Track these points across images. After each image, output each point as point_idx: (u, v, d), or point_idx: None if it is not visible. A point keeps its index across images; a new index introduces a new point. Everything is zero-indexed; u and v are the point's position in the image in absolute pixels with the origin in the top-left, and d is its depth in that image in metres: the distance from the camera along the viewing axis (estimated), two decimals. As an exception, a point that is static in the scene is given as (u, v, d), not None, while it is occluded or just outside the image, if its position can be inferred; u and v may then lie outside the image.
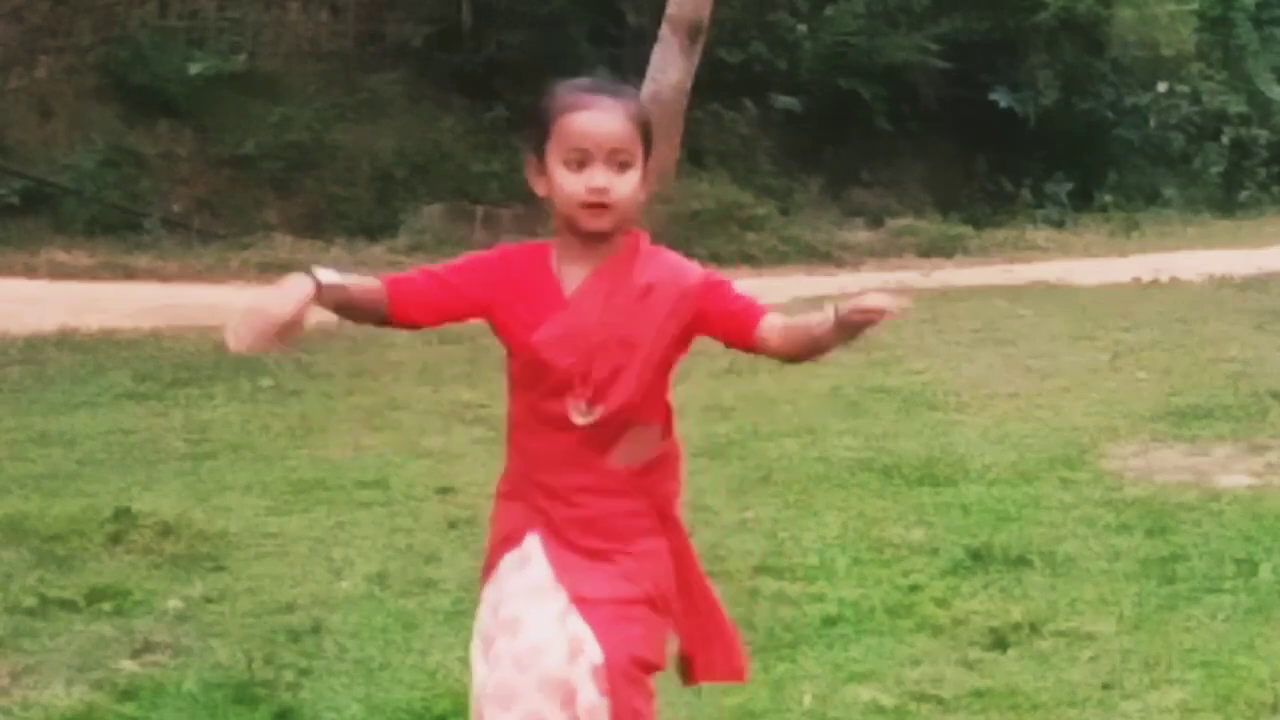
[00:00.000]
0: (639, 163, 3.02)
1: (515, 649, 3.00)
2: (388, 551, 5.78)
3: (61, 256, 13.50)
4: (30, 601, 5.07)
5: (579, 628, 2.99)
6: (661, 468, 3.12)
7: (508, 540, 3.13)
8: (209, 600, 5.20)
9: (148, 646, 4.75)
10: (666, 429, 3.14)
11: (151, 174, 16.28)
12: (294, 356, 9.72)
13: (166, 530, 5.79)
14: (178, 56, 16.82)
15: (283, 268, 13.78)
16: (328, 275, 3.03)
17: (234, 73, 17.02)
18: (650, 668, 3.05)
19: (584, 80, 3.15)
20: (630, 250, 3.07)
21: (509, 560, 3.11)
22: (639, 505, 3.09)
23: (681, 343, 3.10)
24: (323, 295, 3.00)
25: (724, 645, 3.20)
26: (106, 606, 5.06)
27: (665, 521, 3.12)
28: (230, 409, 8.32)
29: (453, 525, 6.10)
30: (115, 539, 5.70)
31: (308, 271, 3.02)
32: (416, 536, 5.98)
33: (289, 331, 2.94)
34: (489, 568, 3.16)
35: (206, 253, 14.57)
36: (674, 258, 3.12)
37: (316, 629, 4.92)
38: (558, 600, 3.02)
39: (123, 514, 5.88)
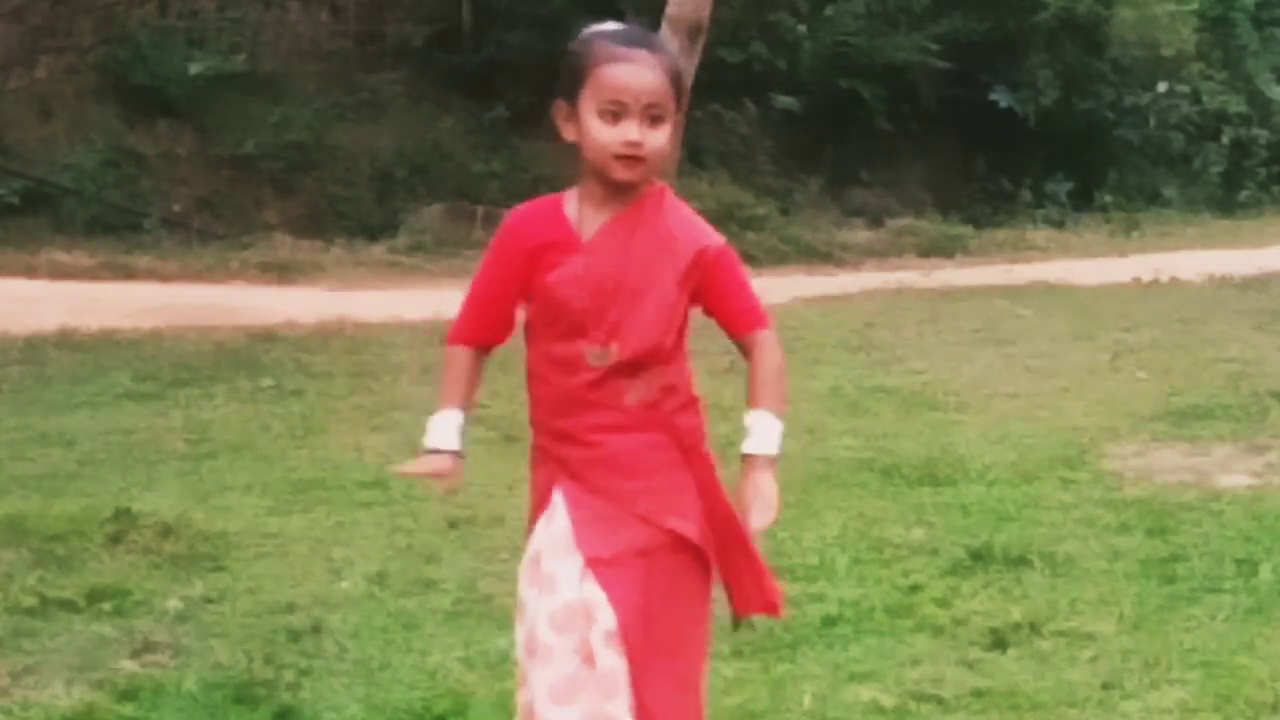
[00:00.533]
0: (671, 116, 3.06)
1: (552, 607, 3.02)
2: (388, 551, 5.78)
3: (61, 256, 13.50)
4: (30, 601, 5.07)
5: (592, 592, 3.00)
6: (674, 399, 3.10)
7: (539, 505, 3.15)
8: (209, 600, 5.20)
9: (148, 646, 4.75)
10: (680, 369, 3.13)
11: (151, 174, 16.27)
12: (294, 356, 9.73)
13: (166, 530, 5.79)
14: (178, 56, 16.82)
15: (283, 268, 13.88)
16: (448, 436, 3.24)
17: (234, 73, 17.02)
18: (674, 617, 3.05)
19: (620, 29, 3.17)
20: (655, 200, 3.10)
21: (541, 520, 3.13)
22: (657, 438, 3.09)
23: (695, 294, 3.11)
24: (459, 455, 3.21)
25: (755, 578, 3.18)
26: (106, 606, 5.06)
27: (689, 454, 3.11)
28: (230, 409, 8.32)
29: (453, 525, 6.10)
30: (115, 539, 5.70)
31: (435, 449, 3.26)
32: (416, 536, 5.98)
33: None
34: (528, 532, 3.17)
35: (206, 253, 14.57)
36: (696, 217, 3.15)
37: (316, 629, 4.92)
38: (576, 559, 3.03)
39: (123, 514, 5.88)
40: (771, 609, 3.24)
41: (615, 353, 3.05)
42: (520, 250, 3.11)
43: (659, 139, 3.04)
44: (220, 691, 4.39)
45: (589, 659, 3.00)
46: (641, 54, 3.05)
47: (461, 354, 3.20)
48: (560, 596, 3.02)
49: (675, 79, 3.07)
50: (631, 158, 3.02)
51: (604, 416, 3.07)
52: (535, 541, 3.11)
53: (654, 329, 3.06)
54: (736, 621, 3.26)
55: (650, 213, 3.09)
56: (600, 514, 3.05)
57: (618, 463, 3.07)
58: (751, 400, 3.16)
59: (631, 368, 3.06)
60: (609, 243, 3.06)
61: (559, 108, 3.10)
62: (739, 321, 3.13)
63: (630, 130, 3.01)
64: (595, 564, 3.02)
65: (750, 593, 3.19)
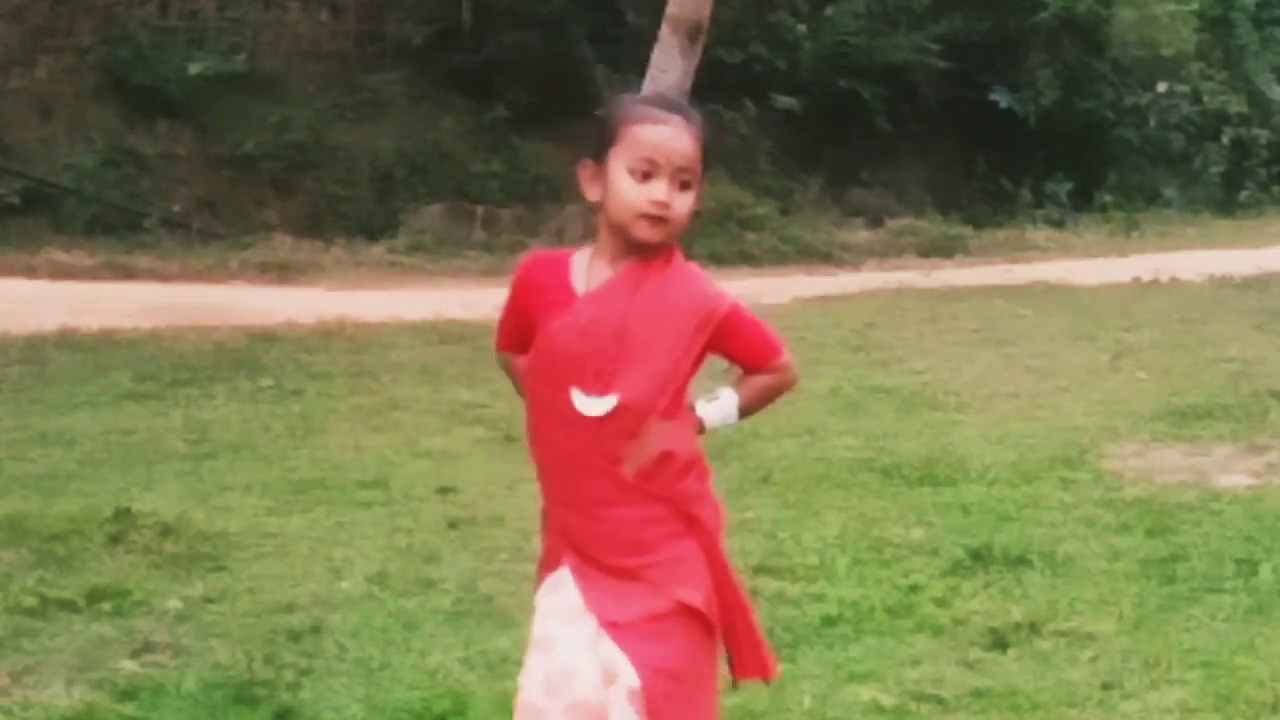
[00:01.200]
0: (697, 185, 3.08)
1: (547, 669, 3.03)
2: (388, 551, 5.78)
3: (61, 256, 13.49)
4: (30, 601, 5.07)
5: (611, 653, 3.01)
6: (672, 466, 3.09)
7: (545, 565, 3.16)
8: (209, 600, 5.20)
9: (148, 646, 4.76)
10: (679, 434, 3.12)
11: (151, 174, 16.27)
12: (294, 356, 9.73)
13: (166, 530, 5.79)
14: (178, 56, 16.81)
15: (283, 267, 13.88)
16: None
17: (234, 73, 17.01)
18: (691, 678, 3.06)
19: (657, 95, 3.28)
20: (663, 260, 3.10)
21: (546, 584, 3.14)
22: (657, 511, 3.08)
23: (700, 358, 3.13)
24: None
25: (751, 643, 3.21)
26: (106, 606, 5.07)
27: (691, 523, 3.11)
28: (230, 409, 8.32)
29: (453, 525, 6.10)
30: (115, 539, 5.70)
31: None
32: (416, 536, 5.98)
33: None
34: (536, 585, 3.19)
35: (206, 253, 14.57)
36: (704, 277, 3.16)
37: (316, 629, 4.92)
38: (588, 625, 3.03)
39: (123, 514, 5.88)
40: (765, 675, 3.26)
41: (614, 400, 3.04)
42: (521, 291, 3.17)
43: (685, 204, 3.05)
44: (220, 691, 4.39)
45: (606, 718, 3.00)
46: (677, 119, 3.07)
47: (510, 357, 3.27)
48: (558, 659, 3.03)
49: (704, 149, 3.09)
50: (657, 218, 3.03)
51: (602, 488, 3.07)
52: (541, 612, 3.12)
53: (651, 385, 3.05)
54: (735, 683, 3.27)
55: (658, 270, 3.09)
56: (608, 585, 3.07)
57: (619, 539, 3.07)
58: (734, 384, 3.22)
59: (627, 423, 3.04)
60: (613, 294, 3.06)
61: (585, 166, 3.11)
62: (758, 361, 3.20)
63: (659, 190, 3.02)
64: (611, 627, 3.03)
65: (747, 659, 3.21)
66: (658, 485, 3.08)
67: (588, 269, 3.11)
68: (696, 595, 3.07)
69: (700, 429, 3.18)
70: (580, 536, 3.10)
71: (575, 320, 3.06)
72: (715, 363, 3.18)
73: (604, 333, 3.04)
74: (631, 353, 3.04)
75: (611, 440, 3.05)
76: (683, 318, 3.08)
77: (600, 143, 3.08)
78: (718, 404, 3.20)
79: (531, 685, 3.04)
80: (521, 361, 3.22)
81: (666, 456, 3.08)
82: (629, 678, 3.00)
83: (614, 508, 3.07)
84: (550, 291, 3.11)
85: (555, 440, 3.11)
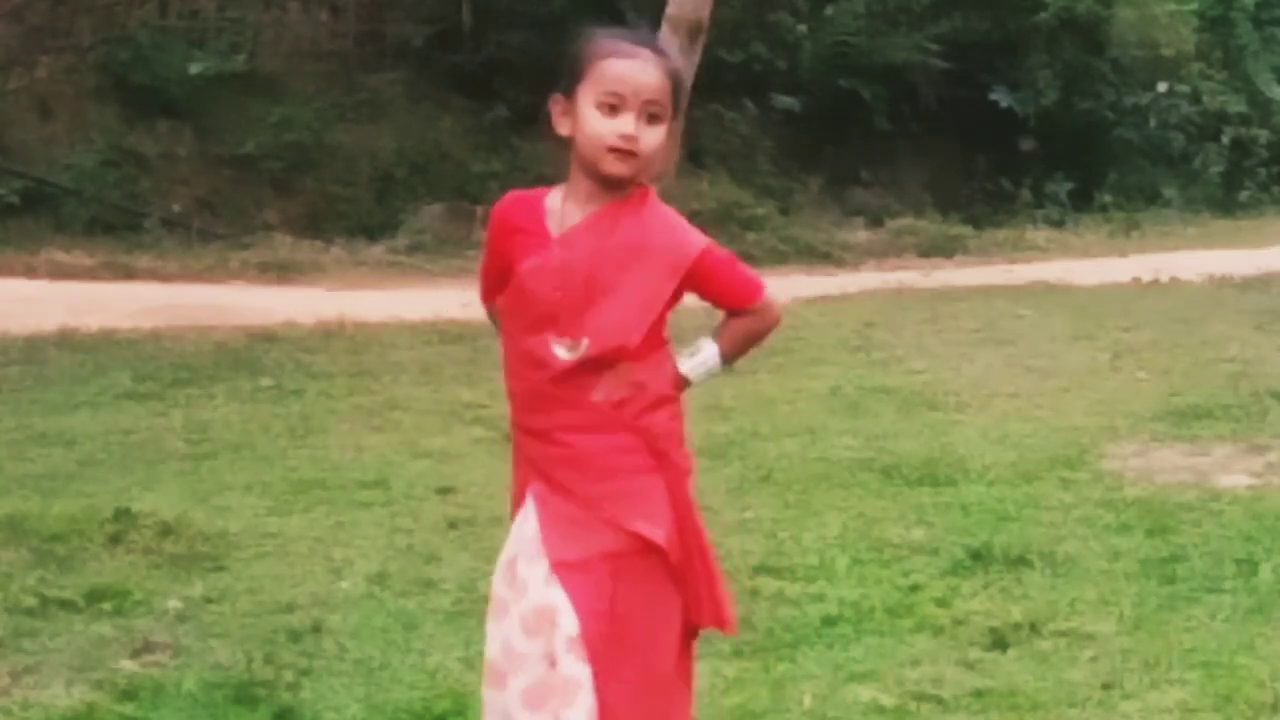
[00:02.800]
0: (668, 118, 3.07)
1: (523, 611, 3.04)
2: (388, 551, 5.78)
3: (61, 256, 13.49)
4: (30, 601, 5.07)
5: (557, 596, 3.00)
6: (644, 399, 3.08)
7: (515, 504, 3.17)
8: (209, 600, 5.20)
9: (148, 646, 4.75)
10: (653, 367, 3.11)
11: (151, 174, 16.26)
12: (294, 356, 9.73)
13: (166, 530, 5.79)
14: (178, 56, 16.80)
15: (282, 268, 13.88)
16: None
17: (234, 73, 17.01)
18: (640, 619, 3.04)
19: (625, 30, 3.24)
20: (636, 201, 3.09)
21: (516, 521, 3.14)
22: (627, 441, 3.07)
23: (674, 299, 3.12)
24: None
25: (710, 591, 3.16)
26: (106, 606, 5.06)
27: (661, 458, 3.09)
28: (230, 409, 8.32)
29: (453, 525, 6.10)
30: (115, 539, 5.70)
31: None
32: (416, 536, 5.98)
33: None
34: (510, 519, 3.20)
35: (206, 253, 14.56)
36: (678, 220, 3.14)
37: (316, 629, 4.92)
38: (542, 565, 3.04)
39: (123, 514, 5.88)
40: (721, 624, 3.21)
41: (585, 347, 3.04)
42: (498, 234, 3.16)
43: (654, 137, 3.04)
44: (220, 691, 4.39)
45: (552, 663, 3.00)
46: (645, 52, 3.07)
47: (489, 308, 3.29)
48: (529, 601, 3.04)
49: (675, 83, 3.09)
50: (625, 151, 3.02)
51: (572, 415, 3.07)
52: (510, 544, 3.13)
53: (623, 326, 3.05)
54: (693, 629, 3.21)
55: (631, 212, 3.08)
56: (568, 516, 3.06)
57: (585, 464, 3.07)
58: (714, 334, 3.21)
59: (599, 364, 3.05)
60: (585, 237, 3.06)
61: (555, 101, 3.11)
62: (738, 302, 3.19)
63: (627, 123, 3.01)
64: (560, 568, 3.02)
65: (704, 605, 3.16)
66: (628, 414, 3.07)
67: (561, 210, 3.10)
68: (657, 531, 3.05)
69: (684, 384, 3.16)
70: (547, 463, 3.09)
71: (547, 264, 3.05)
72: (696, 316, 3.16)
73: (575, 278, 3.04)
74: (602, 298, 3.04)
75: (583, 375, 3.06)
76: (654, 262, 3.07)
77: (570, 77, 3.08)
78: (699, 356, 3.18)
79: (512, 629, 3.05)
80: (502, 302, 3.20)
81: (638, 386, 3.08)
82: (567, 624, 2.99)
83: (583, 434, 3.07)
84: (526, 232, 3.11)
85: (526, 374, 3.11)
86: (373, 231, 16.00)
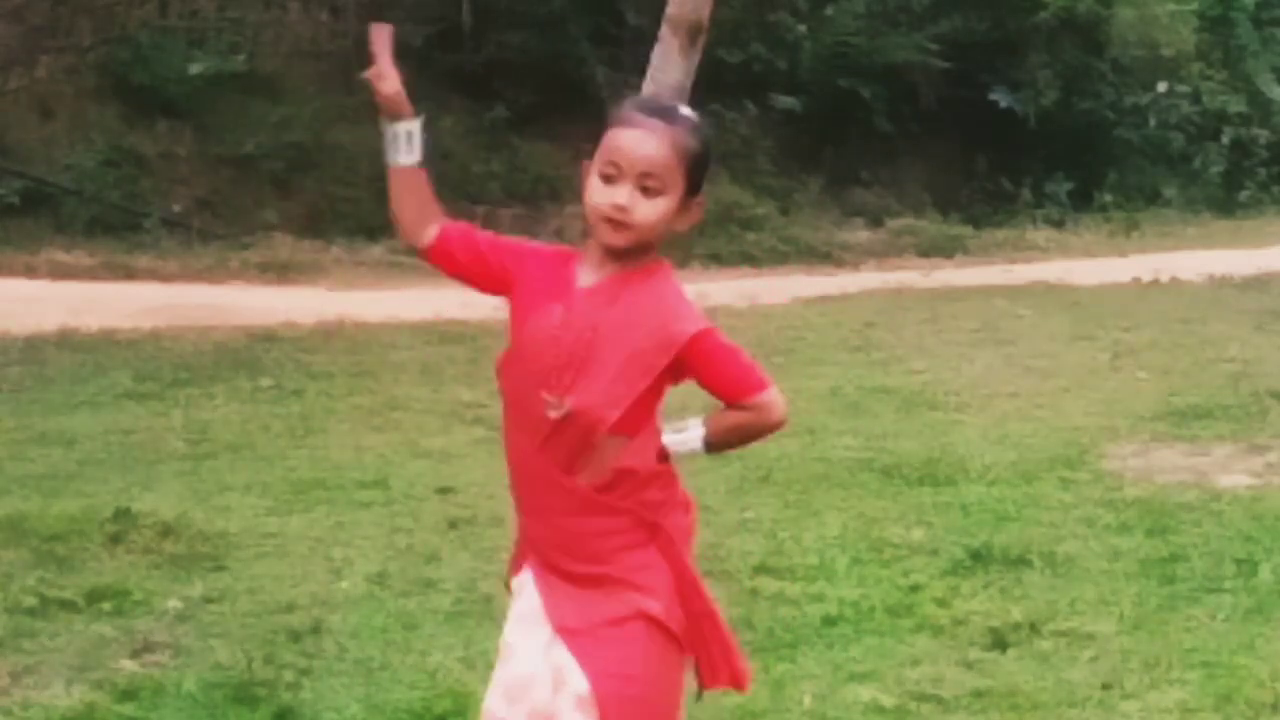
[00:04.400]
0: (671, 192, 2.99)
1: (505, 678, 3.03)
2: (388, 551, 5.78)
3: (61, 256, 13.48)
4: (30, 601, 5.07)
5: (562, 658, 2.99)
6: (631, 482, 3.04)
7: (514, 566, 3.16)
8: (209, 600, 5.20)
9: (148, 646, 4.76)
10: (639, 451, 3.05)
11: (151, 174, 16.25)
12: (294, 356, 9.73)
13: (166, 530, 5.79)
14: (178, 56, 16.80)
15: (283, 268, 13.88)
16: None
17: (234, 73, 17.00)
18: (648, 683, 3.02)
19: (649, 99, 3.21)
20: (644, 273, 3.03)
21: (514, 585, 3.14)
22: (615, 523, 3.04)
23: (670, 379, 3.04)
24: (409, 139, 3.18)
25: (722, 650, 3.14)
26: (106, 606, 5.06)
27: (653, 531, 3.06)
28: (230, 409, 8.32)
29: (453, 525, 6.10)
30: (115, 539, 5.70)
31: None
32: (416, 536, 5.98)
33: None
34: (507, 589, 3.21)
35: (206, 253, 14.56)
36: (681, 300, 3.06)
37: (316, 629, 4.92)
38: (544, 631, 3.02)
39: (123, 514, 5.88)
40: (738, 685, 3.19)
41: (569, 405, 2.99)
42: (526, 266, 3.10)
43: (649, 210, 2.97)
44: (220, 691, 4.39)
45: None
46: (654, 123, 2.99)
47: (435, 211, 3.16)
48: (514, 668, 3.02)
49: (684, 156, 2.99)
50: (618, 223, 2.97)
51: (558, 500, 3.04)
52: (509, 613, 3.12)
53: (606, 397, 2.99)
54: (700, 693, 3.20)
55: (636, 284, 3.02)
56: (567, 592, 3.05)
57: (576, 548, 3.05)
58: (706, 418, 3.11)
59: (578, 431, 3.00)
60: (588, 303, 3.02)
61: (584, 167, 3.07)
62: (733, 395, 3.07)
63: (620, 194, 2.96)
64: (564, 633, 3.01)
65: (718, 667, 3.14)
66: (615, 498, 3.04)
67: (578, 273, 3.08)
68: (655, 604, 3.03)
69: (665, 455, 3.10)
70: (541, 542, 3.08)
71: (549, 321, 3.03)
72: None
73: (573, 340, 3.01)
74: (594, 363, 3.00)
75: (564, 449, 3.01)
76: (645, 337, 3.00)
77: (598, 143, 3.05)
78: (682, 435, 3.10)
79: (494, 693, 3.05)
80: (431, 232, 3.12)
81: (625, 473, 3.03)
82: (576, 683, 2.97)
83: (570, 518, 3.04)
84: (553, 280, 3.06)
85: (518, 445, 3.09)
86: (373, 231, 15.96)
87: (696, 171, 3.01)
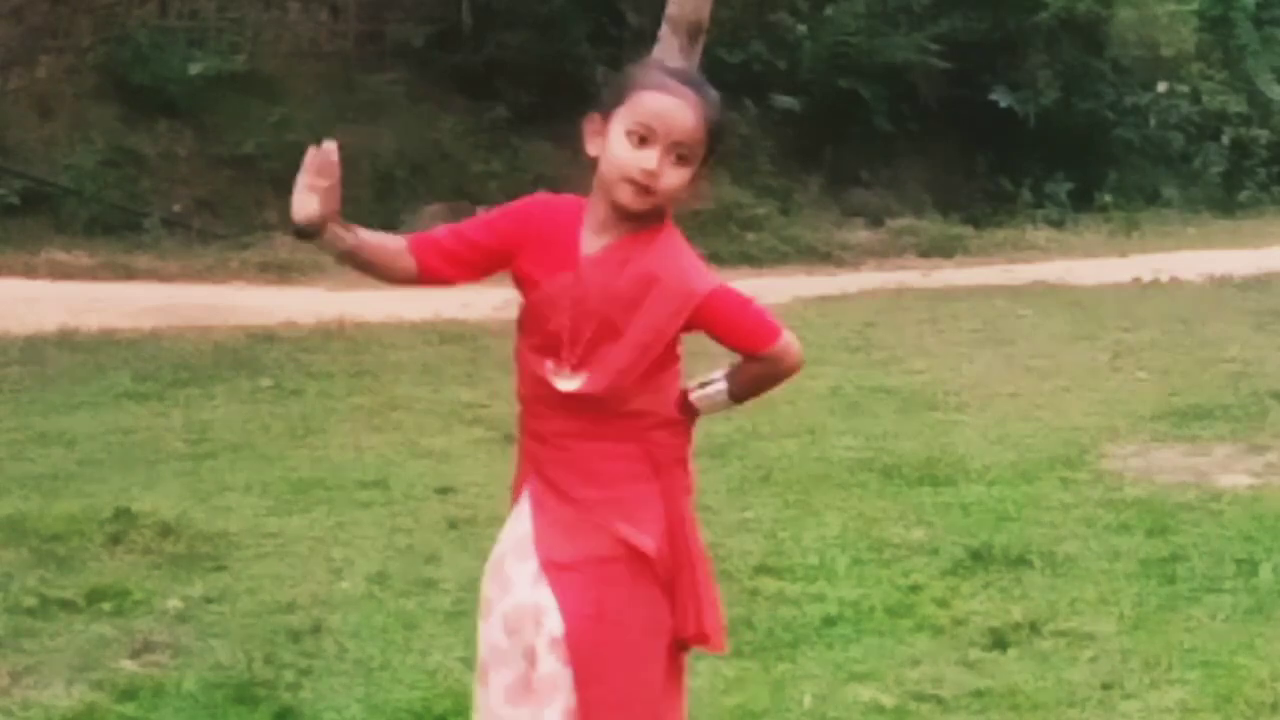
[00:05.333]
0: (696, 164, 3.01)
1: (505, 609, 3.05)
2: (388, 551, 5.78)
3: (61, 256, 13.48)
4: (30, 601, 5.07)
5: (544, 596, 3.00)
6: (644, 421, 3.06)
7: (515, 491, 3.16)
8: (209, 600, 5.20)
9: (148, 646, 4.76)
10: (654, 398, 3.07)
11: (151, 174, 16.25)
12: (294, 356, 9.73)
13: (166, 530, 5.79)
14: (178, 56, 16.80)
15: (282, 268, 13.88)
16: (343, 231, 3.16)
17: (234, 73, 17.00)
18: (626, 626, 3.03)
19: (679, 67, 3.19)
20: (650, 234, 3.04)
21: (509, 520, 3.15)
22: (628, 449, 3.06)
23: (678, 337, 3.08)
24: (326, 232, 3.12)
25: (696, 605, 3.13)
26: (106, 606, 5.06)
27: (660, 469, 3.08)
28: (230, 409, 8.32)
29: (453, 525, 6.10)
30: (115, 539, 5.70)
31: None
32: (416, 536, 5.98)
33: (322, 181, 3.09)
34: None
35: (206, 253, 14.56)
36: (690, 258, 3.08)
37: (316, 629, 4.92)
38: (531, 564, 3.04)
39: (123, 514, 5.88)
40: (703, 640, 3.17)
41: (583, 383, 3.01)
42: (522, 231, 3.08)
43: (676, 178, 2.99)
44: (220, 691, 4.39)
45: (533, 662, 3.01)
46: (688, 93, 3.01)
47: (399, 246, 3.13)
48: (513, 598, 3.04)
49: (713, 130, 3.02)
50: (643, 187, 2.97)
51: (574, 424, 3.06)
52: (501, 542, 3.13)
53: (624, 368, 3.02)
54: (680, 643, 3.18)
55: (643, 246, 3.03)
56: (561, 518, 3.05)
57: (583, 468, 3.06)
58: (728, 371, 3.15)
59: (594, 401, 3.03)
60: (597, 271, 3.02)
61: (591, 119, 3.05)
62: (751, 346, 3.11)
63: (651, 158, 2.96)
64: (549, 567, 3.01)
65: (689, 619, 3.13)
66: (632, 427, 3.06)
67: (584, 231, 3.06)
68: (647, 540, 3.04)
69: (694, 414, 3.14)
70: (546, 462, 3.09)
71: (558, 290, 3.02)
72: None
73: (585, 313, 3.01)
74: (609, 336, 3.01)
75: (581, 400, 3.04)
76: (661, 301, 3.02)
77: (610, 99, 3.04)
78: (708, 389, 3.14)
79: (494, 626, 3.05)
80: (398, 246, 3.11)
81: (641, 413, 3.06)
82: (552, 625, 2.99)
83: (584, 440, 3.06)
84: (559, 244, 3.05)
85: (532, 385, 3.10)
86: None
87: (716, 147, 3.05)
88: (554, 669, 2.99)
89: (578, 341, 3.01)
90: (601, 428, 3.05)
